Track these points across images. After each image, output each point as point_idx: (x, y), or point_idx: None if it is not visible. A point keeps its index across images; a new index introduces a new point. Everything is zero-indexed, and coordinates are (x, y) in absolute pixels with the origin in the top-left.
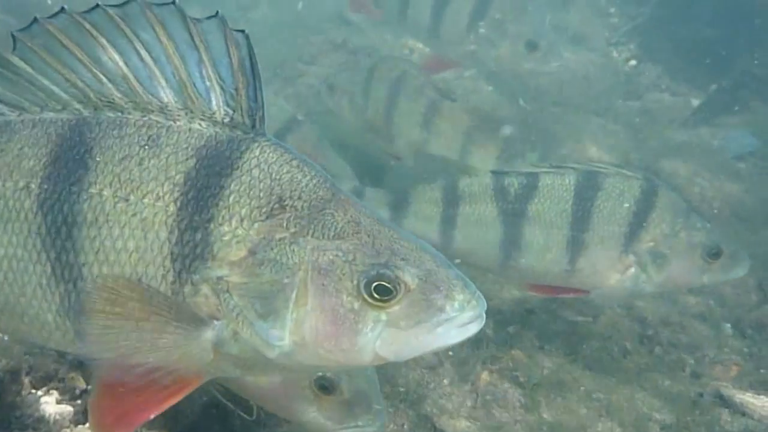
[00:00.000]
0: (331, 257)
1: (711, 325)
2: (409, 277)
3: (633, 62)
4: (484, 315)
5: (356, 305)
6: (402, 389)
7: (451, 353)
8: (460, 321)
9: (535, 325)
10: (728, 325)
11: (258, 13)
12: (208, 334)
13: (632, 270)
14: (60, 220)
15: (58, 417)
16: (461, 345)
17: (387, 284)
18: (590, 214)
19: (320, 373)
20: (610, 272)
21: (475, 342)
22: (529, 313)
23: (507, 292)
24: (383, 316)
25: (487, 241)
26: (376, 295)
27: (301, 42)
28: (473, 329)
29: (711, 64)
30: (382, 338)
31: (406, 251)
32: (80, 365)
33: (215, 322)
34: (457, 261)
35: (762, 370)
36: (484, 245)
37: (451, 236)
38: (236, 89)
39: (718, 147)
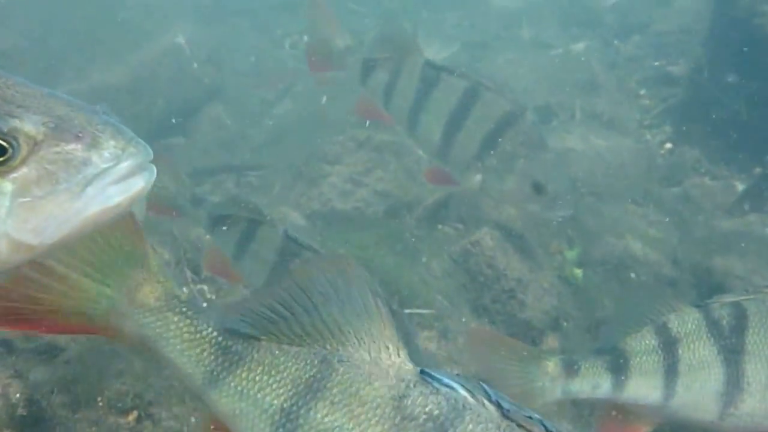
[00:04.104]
0: None
1: None
2: (31, 126)
3: (668, 145)
4: (154, 167)
5: None
6: None
7: None
8: (117, 174)
9: None
10: None
11: (282, 109)
12: None
13: None
14: None
15: None
16: None
17: (1, 141)
18: None
19: None
20: None
21: None
22: None
23: None
24: (7, 186)
25: (708, 388)
26: None
27: (324, 140)
28: (139, 183)
29: (752, 145)
30: (15, 216)
31: (24, 98)
32: None
33: None
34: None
35: None
36: (706, 393)
37: (674, 389)
38: None
39: None
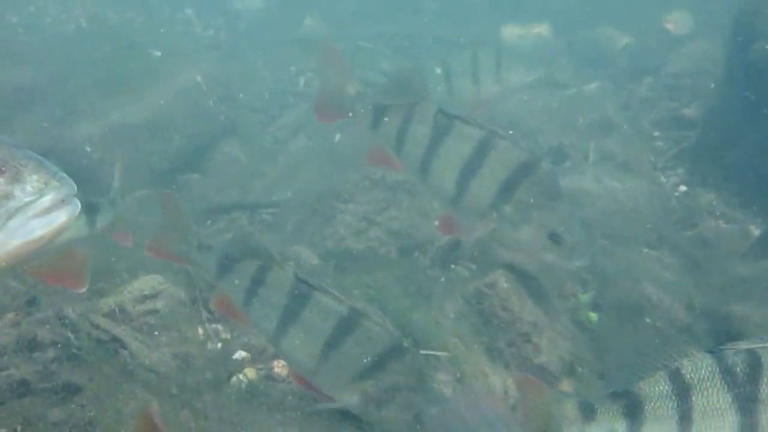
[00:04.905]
0: None
1: None
2: None
3: (683, 188)
4: (78, 201)
5: None
6: None
7: None
8: (39, 208)
9: None
10: None
11: (295, 145)
12: None
13: None
14: None
15: None
16: None
17: None
18: None
19: None
20: None
21: None
22: None
23: None
24: None
25: None
26: None
27: (338, 178)
28: (61, 217)
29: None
30: None
31: None
32: None
33: None
34: None
35: None
36: None
37: None
38: None
39: None
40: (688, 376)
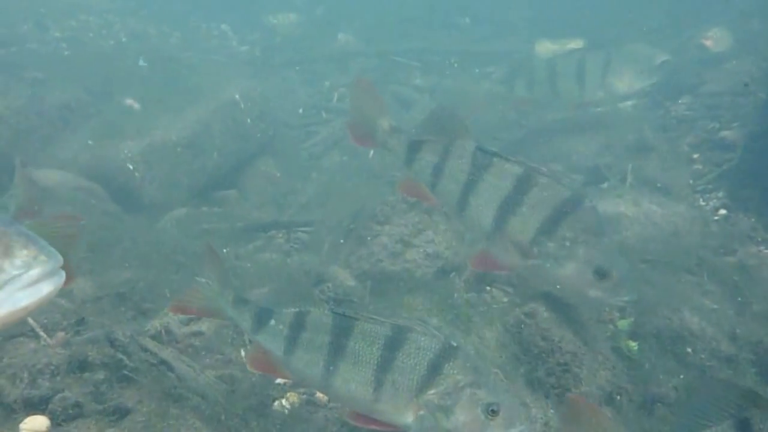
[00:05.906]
0: None
1: None
2: None
3: (723, 212)
4: (63, 272)
5: None
6: None
7: None
8: (26, 280)
9: None
10: None
11: (330, 161)
12: None
13: None
14: None
15: None
16: None
17: None
18: None
19: None
20: None
21: None
22: None
23: None
24: None
25: None
26: None
27: (374, 199)
28: (47, 288)
29: None
30: None
31: None
32: None
33: None
34: None
35: None
36: None
37: None
38: None
39: None
40: (757, 428)
